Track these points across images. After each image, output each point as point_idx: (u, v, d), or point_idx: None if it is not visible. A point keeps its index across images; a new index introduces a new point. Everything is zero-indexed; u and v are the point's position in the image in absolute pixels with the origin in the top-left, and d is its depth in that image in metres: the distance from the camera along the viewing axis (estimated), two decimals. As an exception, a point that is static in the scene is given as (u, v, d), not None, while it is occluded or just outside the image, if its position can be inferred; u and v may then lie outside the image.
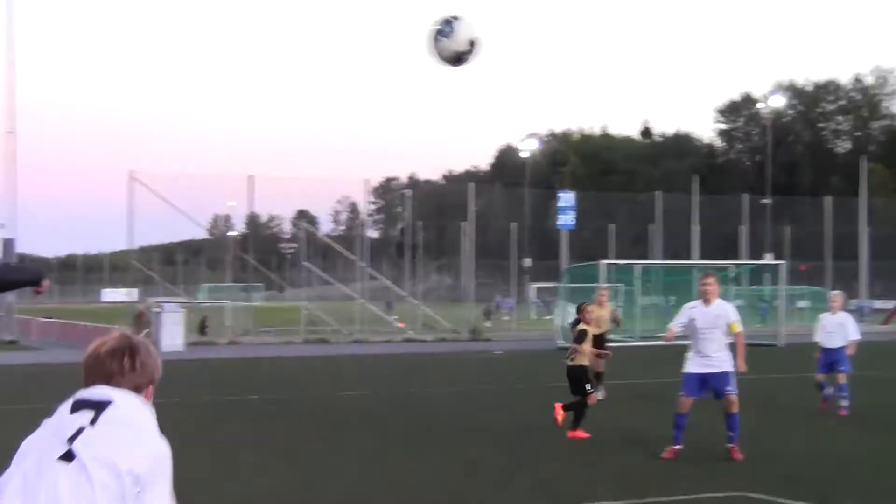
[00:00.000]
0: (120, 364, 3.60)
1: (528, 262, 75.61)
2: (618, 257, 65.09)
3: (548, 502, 10.34)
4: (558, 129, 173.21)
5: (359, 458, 13.28)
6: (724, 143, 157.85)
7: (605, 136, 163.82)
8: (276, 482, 11.67)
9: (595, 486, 11.23)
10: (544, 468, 12.39)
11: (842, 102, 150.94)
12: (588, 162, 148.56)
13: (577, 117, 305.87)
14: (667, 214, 72.81)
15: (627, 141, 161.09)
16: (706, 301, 13.58)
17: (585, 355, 16.06)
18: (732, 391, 13.19)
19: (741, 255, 64.57)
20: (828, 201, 67.66)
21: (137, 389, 3.61)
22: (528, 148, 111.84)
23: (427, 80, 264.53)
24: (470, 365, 31.86)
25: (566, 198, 56.07)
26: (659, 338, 44.89)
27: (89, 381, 3.61)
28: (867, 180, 74.63)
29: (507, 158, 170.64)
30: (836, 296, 19.65)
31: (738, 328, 13.61)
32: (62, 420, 3.49)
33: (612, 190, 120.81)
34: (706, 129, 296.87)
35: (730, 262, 54.07)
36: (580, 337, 15.99)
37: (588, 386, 15.82)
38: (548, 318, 59.95)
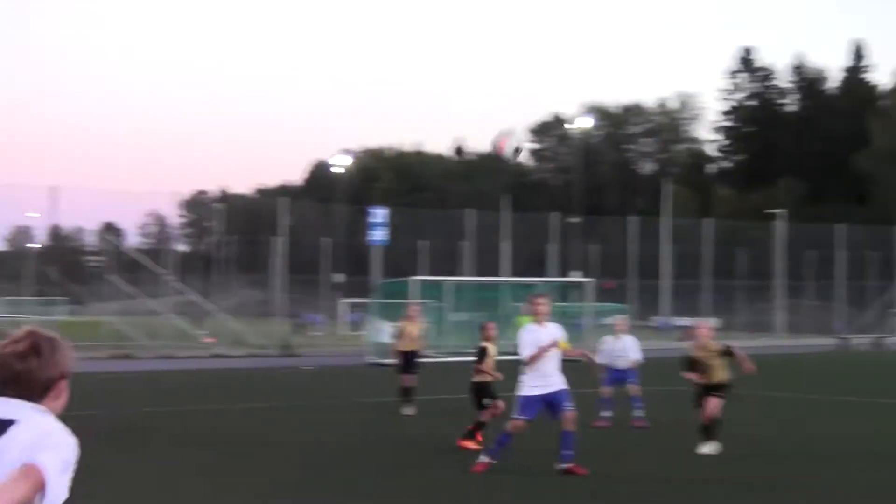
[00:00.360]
0: (27, 365, 3.50)
1: (340, 277, 75.59)
2: (429, 273, 65.66)
3: None
4: (371, 144, 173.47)
5: (160, 476, 13.04)
6: (535, 163, 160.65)
7: (418, 154, 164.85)
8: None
9: (406, 499, 11.26)
10: (348, 483, 12.37)
11: (647, 125, 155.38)
12: (401, 178, 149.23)
13: (390, 134, 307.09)
14: (478, 231, 73.79)
15: (440, 158, 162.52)
16: (540, 322, 13.63)
17: (485, 372, 16.16)
18: (570, 408, 13.20)
19: (550, 272, 65.85)
20: (633, 221, 69.65)
21: (48, 385, 3.53)
22: (340, 163, 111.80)
23: (238, 91, 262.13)
24: (278, 381, 31.61)
25: (378, 214, 56.30)
26: (467, 353, 45.39)
27: None
28: (670, 201, 76.97)
29: (319, 174, 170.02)
30: (621, 320, 20.39)
31: (568, 346, 13.84)
32: None
33: (425, 207, 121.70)
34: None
35: (539, 279, 55.08)
36: (481, 354, 16.22)
37: (484, 401, 15.88)
38: (360, 333, 59.88)
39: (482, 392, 16.15)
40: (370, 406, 22.81)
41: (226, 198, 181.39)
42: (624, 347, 19.36)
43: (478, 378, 16.28)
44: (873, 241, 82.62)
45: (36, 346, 3.54)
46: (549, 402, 13.28)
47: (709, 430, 15.16)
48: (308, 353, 46.56)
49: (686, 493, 12.13)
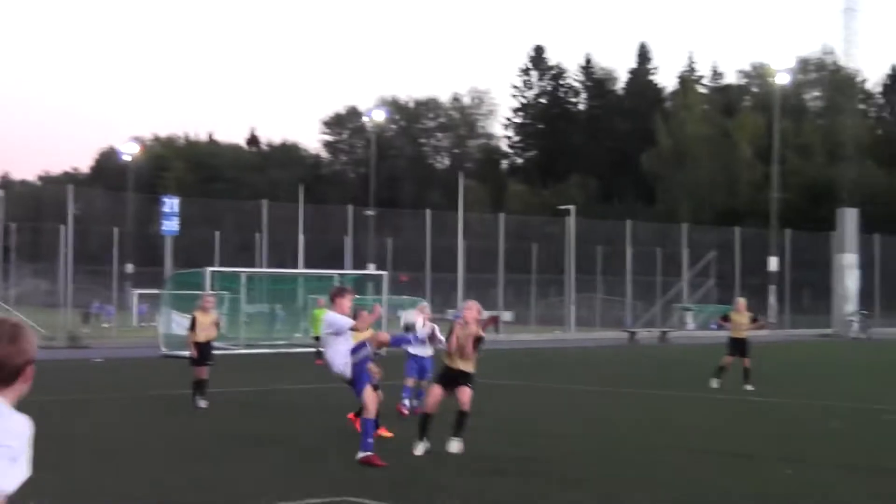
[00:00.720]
0: (4, 351, 3.63)
1: (130, 267, 73.76)
2: (223, 265, 64.66)
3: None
4: (163, 133, 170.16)
5: None
6: (330, 155, 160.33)
7: (211, 143, 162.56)
8: None
9: (198, 493, 10.97)
10: (144, 477, 12.00)
11: (441, 120, 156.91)
12: (193, 168, 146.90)
13: (182, 122, 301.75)
14: (273, 223, 73.04)
15: (234, 148, 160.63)
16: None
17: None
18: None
19: (346, 264, 65.72)
20: (428, 215, 70.01)
21: (20, 370, 3.65)
22: (130, 151, 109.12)
23: (21, 74, 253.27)
24: (66, 373, 30.60)
25: (170, 203, 55.08)
26: (261, 345, 44.95)
27: None
28: (464, 196, 77.70)
29: (108, 162, 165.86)
30: (424, 306, 20.24)
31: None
32: None
33: (218, 197, 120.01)
34: (312, 140, 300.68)
35: (335, 271, 54.86)
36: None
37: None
38: (151, 325, 58.57)
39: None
40: (161, 399, 22.27)
41: (7, 184, 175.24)
42: (429, 334, 18.54)
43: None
44: (660, 238, 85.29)
45: (9, 333, 3.66)
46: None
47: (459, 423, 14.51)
48: (98, 344, 45.29)
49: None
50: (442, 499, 10.80)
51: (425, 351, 18.91)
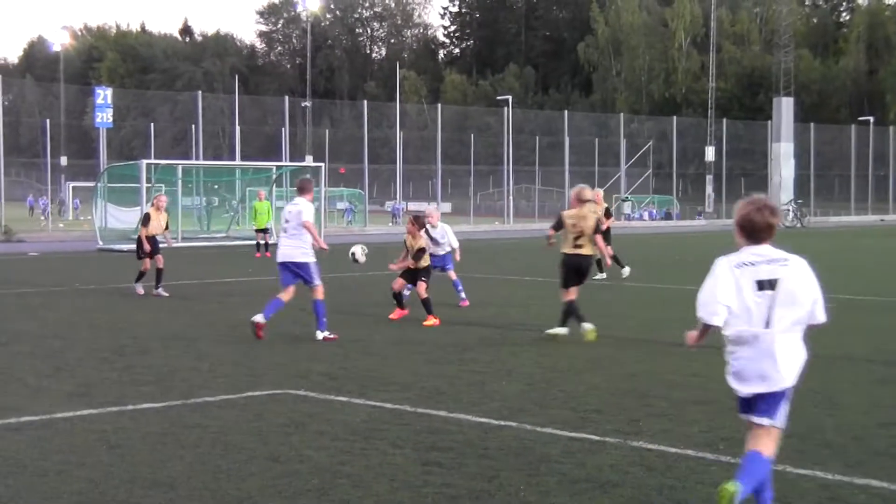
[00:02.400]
0: None
1: (64, 160, 72.83)
2: (158, 157, 64.00)
3: (85, 406, 10.01)
4: (93, 23, 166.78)
5: None
6: (265, 46, 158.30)
7: (144, 34, 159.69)
8: None
9: (134, 387, 10.99)
10: (82, 374, 11.99)
11: (377, 9, 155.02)
12: (126, 59, 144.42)
13: (113, 12, 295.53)
14: (208, 114, 72.26)
15: (167, 39, 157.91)
16: None
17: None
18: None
19: (282, 156, 65.29)
20: (365, 105, 69.51)
21: None
22: (60, 41, 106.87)
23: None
24: (2, 266, 30.36)
25: (103, 94, 54.15)
26: (199, 238, 44.70)
27: None
28: (401, 87, 77.22)
29: (37, 52, 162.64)
30: (433, 210, 20.31)
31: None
32: None
33: (152, 88, 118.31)
34: (247, 30, 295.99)
35: (271, 163, 54.53)
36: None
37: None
38: (85, 218, 58.00)
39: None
40: (98, 292, 22.19)
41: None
42: (443, 235, 19.59)
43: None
44: (597, 128, 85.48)
45: None
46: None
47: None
48: (33, 239, 44.85)
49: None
50: (374, 389, 10.92)
51: (441, 250, 19.57)
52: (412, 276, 17.12)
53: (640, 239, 49.68)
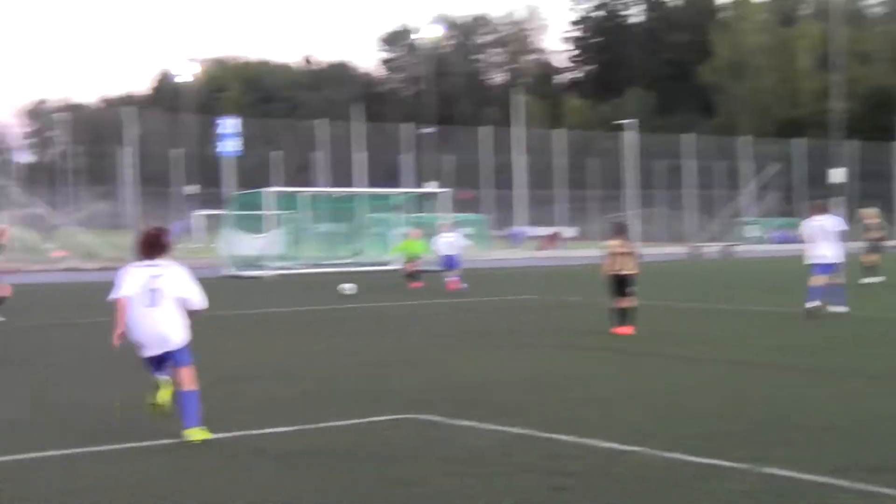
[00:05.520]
0: None
1: (192, 189, 74.37)
2: (284, 184, 64.99)
3: (221, 430, 10.17)
4: (218, 54, 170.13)
5: (28, 390, 12.69)
6: (386, 73, 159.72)
7: (266, 63, 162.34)
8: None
9: (265, 412, 11.13)
10: (212, 397, 12.19)
11: (496, 36, 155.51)
12: (249, 89, 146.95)
13: (236, 43, 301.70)
14: (331, 142, 73.14)
15: (288, 68, 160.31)
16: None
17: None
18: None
19: (404, 182, 65.77)
20: (484, 131, 69.71)
21: None
22: (186, 73, 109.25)
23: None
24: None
25: (228, 124, 55.24)
26: (324, 264, 45.22)
27: None
28: (521, 112, 77.32)
29: (165, 84, 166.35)
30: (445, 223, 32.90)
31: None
32: None
33: (275, 117, 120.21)
34: (367, 58, 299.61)
35: (395, 190, 54.95)
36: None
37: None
38: (208, 246, 59.03)
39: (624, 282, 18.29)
40: (227, 318, 22.55)
41: (69, 107, 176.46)
42: (450, 242, 31.39)
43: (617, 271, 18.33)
44: (721, 151, 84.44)
45: None
46: None
47: None
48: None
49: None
50: (500, 413, 10.90)
51: (452, 251, 31.24)
52: (622, 285, 18.24)
53: (765, 262, 48.95)
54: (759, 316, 22.46)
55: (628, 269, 18.31)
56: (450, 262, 31.15)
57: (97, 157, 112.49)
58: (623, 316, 18.22)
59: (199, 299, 9.65)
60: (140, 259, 9.77)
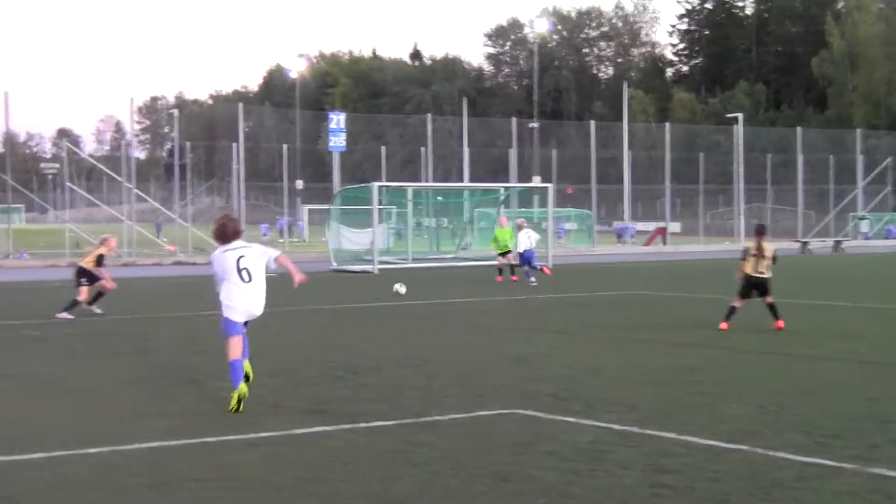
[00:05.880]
0: None
1: (300, 184, 75.21)
2: (389, 179, 65.35)
3: (324, 421, 10.30)
4: (327, 50, 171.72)
5: (130, 384, 12.95)
6: (493, 67, 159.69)
7: (375, 59, 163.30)
8: (37, 409, 11.25)
9: (366, 405, 11.23)
10: (317, 392, 12.34)
11: (604, 29, 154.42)
12: (358, 84, 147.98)
13: (346, 39, 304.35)
14: (437, 136, 73.32)
15: (397, 63, 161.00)
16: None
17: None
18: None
19: (510, 177, 65.69)
20: (592, 125, 69.29)
21: None
22: (297, 68, 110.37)
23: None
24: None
25: (337, 119, 55.67)
26: (430, 258, 45.40)
27: None
28: (628, 106, 76.72)
29: (275, 79, 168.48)
30: (520, 220, 33.46)
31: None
32: None
33: (383, 112, 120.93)
34: (475, 52, 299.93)
35: (500, 184, 54.93)
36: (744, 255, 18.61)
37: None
38: (320, 240, 59.65)
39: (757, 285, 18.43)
40: (331, 311, 22.78)
41: (182, 104, 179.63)
42: (529, 237, 31.25)
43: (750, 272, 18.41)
44: (832, 144, 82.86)
45: None
46: None
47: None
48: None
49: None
50: (602, 409, 10.86)
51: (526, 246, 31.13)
52: (754, 288, 18.38)
53: (879, 258, 47.99)
54: (870, 313, 22.05)
55: (764, 272, 18.30)
56: (527, 258, 31.16)
57: (208, 153, 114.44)
58: (731, 313, 18.31)
59: (275, 255, 11.74)
60: (221, 245, 11.50)
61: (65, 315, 21.25)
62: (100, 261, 22.08)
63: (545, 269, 31.97)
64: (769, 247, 18.58)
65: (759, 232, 18.87)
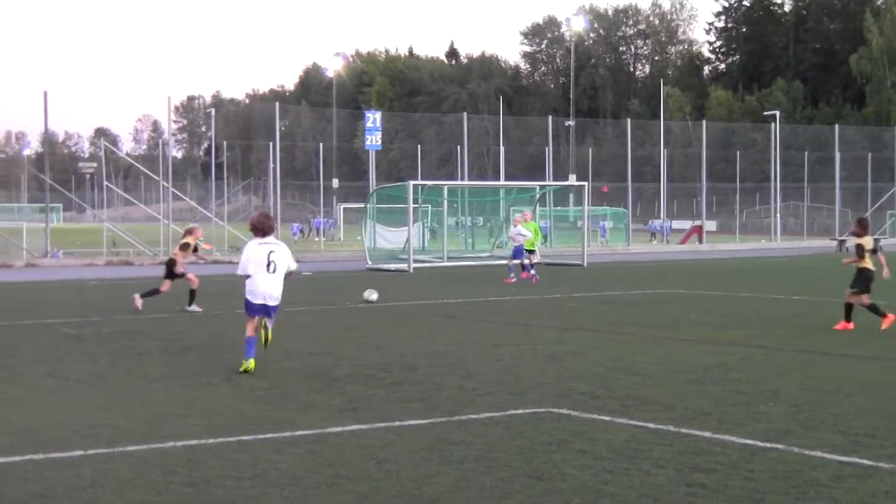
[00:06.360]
0: None
1: (336, 182, 75.38)
2: (425, 178, 65.40)
3: (358, 419, 10.35)
4: (364, 49, 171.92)
5: (167, 382, 13.03)
6: (529, 66, 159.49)
7: (411, 57, 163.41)
8: (75, 408, 11.33)
9: (401, 403, 11.27)
10: (351, 390, 12.39)
11: (641, 27, 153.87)
12: (394, 82, 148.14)
13: (382, 37, 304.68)
14: (473, 135, 73.37)
15: (433, 62, 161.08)
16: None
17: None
18: None
19: (546, 175, 65.57)
20: (628, 124, 69.09)
21: None
22: (333, 67, 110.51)
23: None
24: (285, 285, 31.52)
25: (373, 118, 55.76)
26: (464, 256, 45.39)
27: None
28: (665, 104, 76.41)
29: (312, 78, 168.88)
30: (520, 215, 33.48)
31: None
32: None
33: (419, 111, 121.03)
34: (511, 51, 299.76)
35: (535, 182, 54.83)
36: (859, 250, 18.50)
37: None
38: (354, 239, 59.78)
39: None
40: (365, 310, 22.83)
41: (218, 103, 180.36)
42: (519, 232, 31.11)
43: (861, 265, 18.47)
44: (871, 142, 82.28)
45: None
46: None
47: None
48: (306, 258, 46.51)
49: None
50: (637, 408, 10.85)
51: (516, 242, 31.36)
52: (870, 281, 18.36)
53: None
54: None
55: (871, 265, 18.43)
56: (518, 254, 31.44)
57: (244, 152, 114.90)
58: (848, 311, 18.42)
59: (295, 266, 14.16)
60: (256, 237, 13.80)
61: (194, 308, 22.50)
62: (184, 249, 23.19)
63: (535, 278, 30.96)
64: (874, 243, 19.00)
65: (865, 227, 18.93)
